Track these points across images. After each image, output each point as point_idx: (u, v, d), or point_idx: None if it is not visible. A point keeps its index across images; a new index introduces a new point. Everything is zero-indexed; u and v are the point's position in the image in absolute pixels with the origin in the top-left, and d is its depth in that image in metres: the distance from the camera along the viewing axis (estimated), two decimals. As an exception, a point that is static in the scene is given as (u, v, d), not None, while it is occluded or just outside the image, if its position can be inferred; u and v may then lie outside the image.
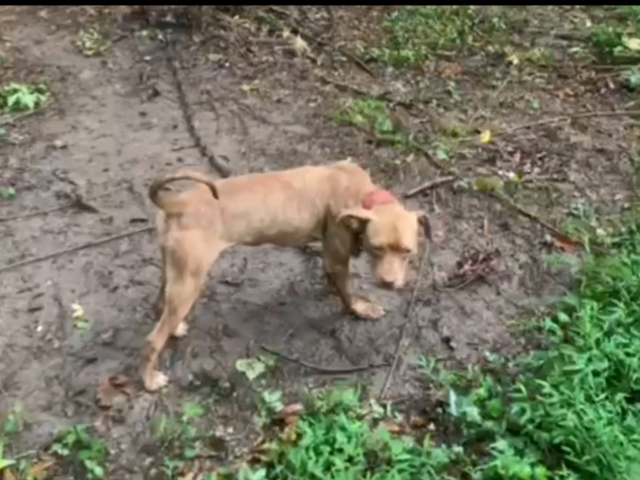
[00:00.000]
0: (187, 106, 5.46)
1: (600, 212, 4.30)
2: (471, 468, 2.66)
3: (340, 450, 2.62)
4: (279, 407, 3.02)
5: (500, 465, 2.55)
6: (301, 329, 3.48)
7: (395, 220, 3.00)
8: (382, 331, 3.46)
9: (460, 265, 3.78)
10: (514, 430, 2.75)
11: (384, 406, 3.03)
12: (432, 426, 2.95)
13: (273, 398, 3.03)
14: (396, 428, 2.93)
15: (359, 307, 3.50)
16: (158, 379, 3.15)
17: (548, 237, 4.07)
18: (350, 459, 2.60)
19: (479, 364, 3.26)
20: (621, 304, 3.17)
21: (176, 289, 2.93)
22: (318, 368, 3.25)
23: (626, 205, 4.34)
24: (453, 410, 2.80)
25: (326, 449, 2.63)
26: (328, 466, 2.58)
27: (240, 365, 3.26)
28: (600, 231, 4.10)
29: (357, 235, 3.16)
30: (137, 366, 3.19)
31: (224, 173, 4.61)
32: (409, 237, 2.98)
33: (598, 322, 3.02)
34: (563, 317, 3.30)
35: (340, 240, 3.22)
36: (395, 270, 2.97)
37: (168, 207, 2.90)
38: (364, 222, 3.04)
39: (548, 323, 3.14)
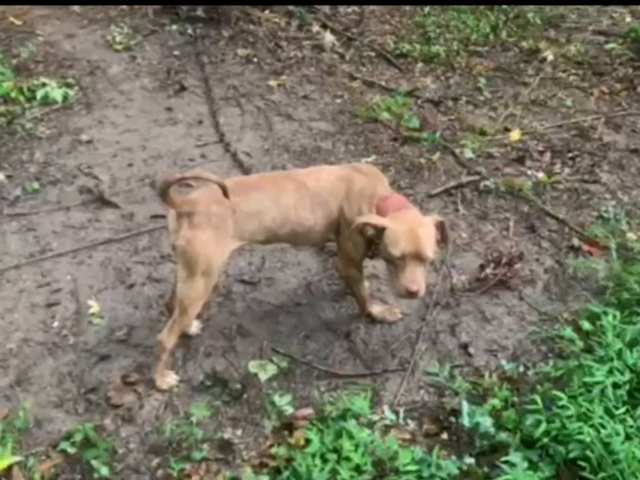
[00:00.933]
0: (213, 101, 5.44)
1: (631, 215, 4.15)
2: (482, 481, 2.58)
3: (348, 459, 2.56)
4: (289, 410, 2.97)
5: (511, 474, 2.46)
6: (316, 330, 3.42)
7: (413, 227, 2.91)
8: (398, 335, 3.38)
9: (482, 268, 3.68)
10: (528, 443, 2.66)
11: (397, 413, 2.96)
12: (444, 435, 2.86)
13: (283, 401, 2.98)
14: (408, 436, 2.86)
15: (376, 309, 3.43)
16: (169, 379, 3.13)
17: (576, 241, 3.94)
18: (357, 468, 2.54)
19: (496, 372, 3.16)
20: (648, 313, 3.05)
21: (187, 289, 2.90)
22: (331, 371, 3.19)
23: (659, 208, 4.18)
24: (465, 420, 2.71)
25: (333, 457, 2.58)
26: (334, 474, 2.52)
27: (253, 366, 3.21)
28: (630, 235, 3.95)
29: (371, 241, 3.09)
30: (149, 365, 3.17)
31: (245, 169, 4.58)
32: (429, 244, 2.90)
33: (621, 331, 2.90)
34: (586, 325, 3.18)
35: (353, 244, 3.15)
36: (419, 280, 2.88)
37: (179, 207, 2.87)
38: (380, 230, 2.96)
39: (568, 332, 3.02)
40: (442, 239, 3.04)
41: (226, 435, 2.92)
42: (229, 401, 3.07)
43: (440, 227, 3.00)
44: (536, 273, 3.75)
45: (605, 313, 3.12)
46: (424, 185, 4.43)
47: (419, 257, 2.88)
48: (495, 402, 2.77)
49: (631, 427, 2.54)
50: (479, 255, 3.86)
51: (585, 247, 3.89)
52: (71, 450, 2.83)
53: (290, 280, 3.73)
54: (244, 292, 3.66)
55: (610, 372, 2.71)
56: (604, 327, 3.00)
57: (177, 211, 2.88)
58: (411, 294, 2.90)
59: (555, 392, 2.70)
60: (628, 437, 2.49)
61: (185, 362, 3.27)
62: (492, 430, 2.68)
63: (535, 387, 2.97)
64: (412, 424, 2.92)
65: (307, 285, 3.69)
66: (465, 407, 2.75)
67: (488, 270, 3.61)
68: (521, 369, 3.14)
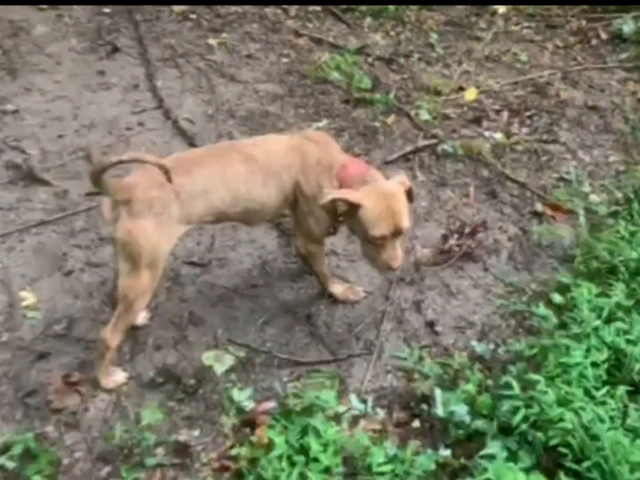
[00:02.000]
0: (149, 63, 5.04)
1: (593, 176, 4.02)
2: (459, 473, 2.43)
3: (316, 460, 2.36)
4: (249, 406, 2.75)
5: (492, 472, 2.31)
6: (274, 314, 3.20)
7: (389, 203, 2.72)
8: (362, 315, 3.19)
9: (445, 239, 3.50)
10: (506, 429, 2.51)
11: (365, 401, 2.78)
12: (416, 423, 2.71)
13: (243, 396, 2.77)
14: (377, 426, 2.69)
15: (337, 289, 3.22)
16: (116, 377, 2.87)
17: (538, 206, 3.79)
18: (327, 470, 2.35)
19: (466, 350, 3.00)
20: (620, 284, 2.92)
21: (131, 283, 2.63)
22: (293, 359, 2.98)
23: (621, 168, 4.07)
24: (440, 410, 2.55)
25: (300, 459, 2.38)
26: (303, 479, 2.32)
27: (207, 358, 2.98)
28: (594, 197, 3.83)
29: (336, 216, 2.86)
30: (93, 362, 2.90)
31: (188, 137, 4.26)
32: (406, 216, 2.76)
33: (596, 306, 2.76)
34: (557, 298, 3.05)
35: (314, 219, 2.92)
36: (399, 254, 2.77)
37: (115, 193, 2.57)
38: (353, 206, 2.73)
39: (541, 310, 2.87)
40: (408, 197, 2.84)
41: (182, 437, 2.69)
42: (183, 398, 2.84)
43: (408, 191, 2.81)
44: (500, 242, 3.59)
45: (577, 285, 2.99)
46: (379, 151, 4.20)
47: (398, 233, 2.73)
48: (469, 387, 2.62)
49: (613, 409, 2.42)
50: (440, 225, 3.68)
51: (549, 212, 3.75)
52: (10, 464, 2.55)
53: (243, 260, 3.48)
54: (193, 275, 3.39)
55: (588, 350, 2.57)
56: (576, 300, 2.86)
57: (113, 198, 2.58)
58: (393, 270, 2.81)
59: (532, 375, 2.56)
60: (611, 421, 2.37)
61: (133, 356, 3.01)
62: (467, 418, 2.53)
63: (507, 367, 2.82)
64: (381, 413, 2.75)
65: (262, 265, 3.45)
66: (439, 395, 2.59)
67: (452, 242, 3.44)
68: (491, 346, 2.99)
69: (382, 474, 2.31)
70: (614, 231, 3.34)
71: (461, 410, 2.54)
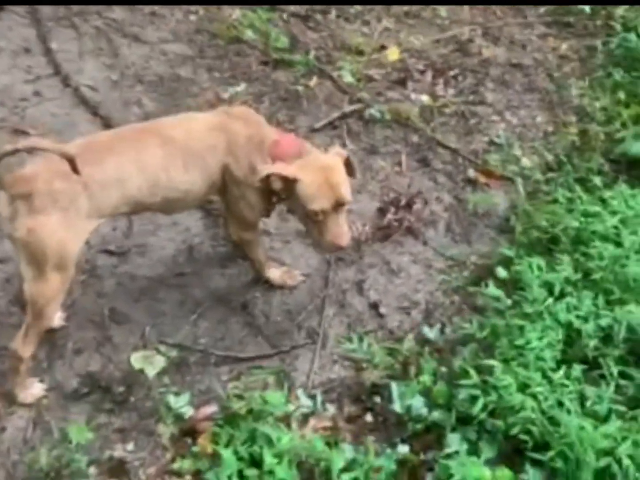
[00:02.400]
0: (41, 23, 4.49)
1: (522, 138, 3.94)
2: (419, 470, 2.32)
3: (271, 473, 2.18)
4: (188, 412, 2.53)
5: (455, 469, 2.21)
6: (206, 305, 2.95)
7: (327, 175, 2.53)
8: (301, 301, 2.99)
9: (382, 213, 3.33)
10: (464, 419, 2.41)
11: (313, 397, 2.60)
12: (369, 417, 2.57)
13: (181, 402, 2.53)
14: (328, 423, 2.53)
15: (274, 274, 3.00)
16: (34, 389, 2.57)
17: (471, 172, 3.68)
18: (283, 482, 2.17)
19: (412, 332, 2.88)
20: (565, 257, 2.85)
21: (38, 289, 2.31)
22: (230, 355, 2.76)
23: (550, 129, 4.00)
24: (397, 406, 2.41)
25: (253, 472, 2.19)
26: (258, 497, 2.14)
27: (136, 360, 2.71)
28: (525, 161, 3.75)
29: (270, 197, 2.63)
30: (6, 373, 2.57)
31: (91, 107, 3.86)
32: (347, 188, 2.58)
33: (545, 282, 2.69)
34: (502, 272, 2.95)
35: (246, 203, 2.67)
36: (344, 231, 2.58)
37: (11, 187, 2.22)
38: (289, 182, 2.50)
39: (492, 290, 2.76)
40: (349, 173, 2.64)
41: (116, 453, 2.44)
42: (113, 409, 2.57)
43: (347, 162, 2.63)
44: (436, 213, 3.46)
45: (520, 257, 2.91)
46: (304, 118, 3.95)
47: (340, 206, 2.55)
48: (425, 378, 2.49)
49: (571, 392, 2.35)
50: (374, 197, 3.50)
51: (482, 179, 3.64)
52: None
53: (166, 246, 3.18)
54: (111, 266, 3.08)
55: (544, 331, 2.49)
56: (522, 275, 2.77)
57: (10, 193, 2.23)
58: (340, 248, 2.60)
59: (487, 360, 2.45)
60: (570, 402, 2.30)
61: (52, 363, 2.70)
62: (424, 411, 2.41)
63: (457, 349, 2.72)
64: (331, 409, 2.59)
65: (189, 250, 3.17)
66: (395, 389, 2.44)
67: (390, 216, 3.28)
68: (438, 326, 2.87)
69: (343, 483, 2.15)
70: (551, 200, 3.27)
71: (418, 403, 2.41)
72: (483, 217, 3.45)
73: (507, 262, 3.01)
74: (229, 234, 2.84)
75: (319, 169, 2.53)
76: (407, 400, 2.41)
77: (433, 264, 3.20)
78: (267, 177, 2.51)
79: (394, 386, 2.45)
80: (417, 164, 3.73)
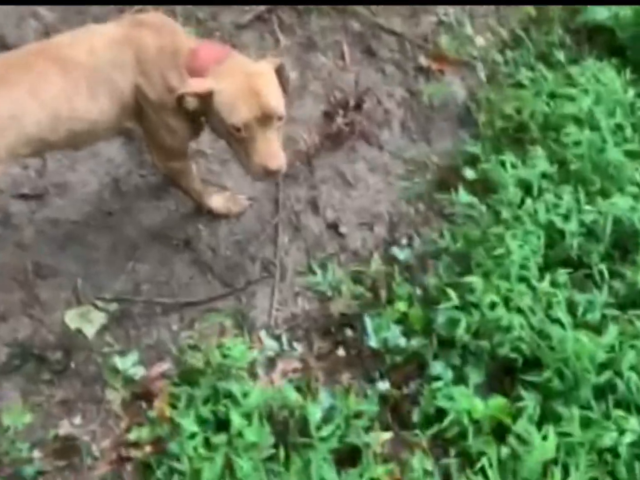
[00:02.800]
0: None
1: (473, 14, 3.54)
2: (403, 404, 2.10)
3: (240, 436, 1.92)
4: (138, 373, 2.23)
5: (441, 400, 1.99)
6: (143, 246, 2.59)
7: (249, 80, 2.12)
8: (252, 230, 2.65)
9: (329, 117, 2.96)
10: (446, 344, 2.18)
11: (278, 338, 2.34)
12: (341, 351, 2.32)
13: (128, 362, 2.24)
14: (298, 365, 2.28)
15: (216, 202, 2.64)
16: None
17: (422, 59, 3.29)
18: (255, 445, 1.92)
19: (378, 251, 2.60)
20: (537, 148, 2.57)
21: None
22: (179, 302, 2.45)
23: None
24: (372, 341, 2.16)
25: (221, 439, 1.93)
26: (229, 464, 1.89)
27: (71, 319, 2.37)
28: (479, 40, 3.37)
29: (193, 114, 2.24)
30: None
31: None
32: (277, 97, 2.15)
33: (520, 180, 2.41)
34: (470, 173, 2.66)
35: (168, 130, 2.27)
36: (276, 151, 2.15)
37: None
38: (205, 97, 2.11)
39: (463, 197, 2.48)
40: (282, 85, 2.24)
41: (62, 430, 2.15)
42: (52, 379, 2.26)
43: (279, 70, 2.22)
44: (389, 111, 3.09)
45: (486, 154, 2.62)
46: (228, 13, 3.44)
47: (268, 119, 2.11)
48: (400, 305, 2.23)
49: (559, 302, 2.13)
50: (318, 99, 3.10)
51: (435, 66, 3.26)
52: None
53: (88, 181, 2.77)
54: (28, 212, 2.66)
55: (525, 236, 2.24)
56: (493, 173, 2.49)
57: None
58: (271, 174, 2.18)
59: (466, 278, 2.20)
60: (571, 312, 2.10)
61: (-28, 335, 2.34)
62: (402, 341, 2.16)
63: (427, 264, 2.46)
64: (299, 347, 2.33)
65: (114, 184, 2.76)
66: (369, 323, 2.18)
67: (338, 120, 2.91)
68: (404, 241, 2.60)
69: (324, 439, 1.91)
70: (514, 83, 2.95)
71: (394, 334, 2.16)
72: (440, 110, 3.11)
73: (473, 161, 2.72)
74: (155, 166, 2.45)
75: (241, 75, 2.12)
76: (383, 333, 2.16)
77: (392, 169, 2.88)
78: (180, 99, 2.10)
79: (367, 320, 2.18)
80: (361, 56, 3.32)
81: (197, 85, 2.11)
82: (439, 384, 2.06)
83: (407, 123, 3.06)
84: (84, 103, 2.12)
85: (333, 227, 2.67)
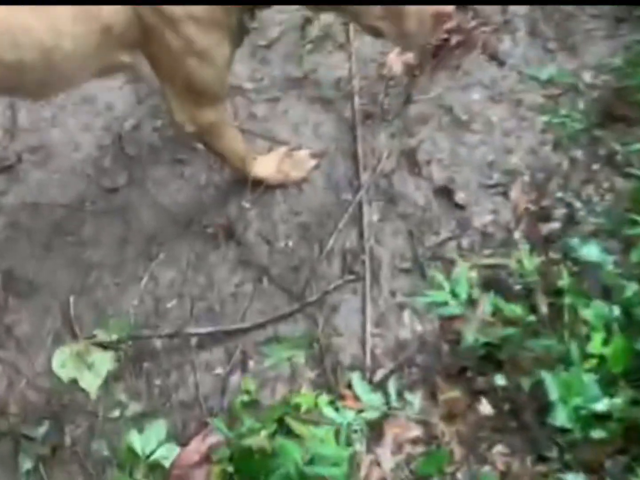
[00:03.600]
0: None
1: None
2: None
3: None
4: (170, 454, 1.42)
5: None
6: (162, 238, 1.73)
7: None
8: (321, 205, 1.76)
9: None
10: None
11: (380, 385, 1.48)
12: (485, 407, 1.45)
13: (152, 438, 1.42)
14: (417, 432, 1.43)
15: (265, 166, 1.75)
16: None
17: None
18: None
19: (519, 228, 1.69)
20: None
21: None
22: (222, 329, 1.60)
23: None
24: (560, 414, 1.26)
25: None
26: None
27: (62, 364, 1.57)
28: None
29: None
30: None
31: None
32: None
33: None
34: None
35: (200, 57, 1.40)
36: None
37: None
38: None
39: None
40: None
41: None
42: (36, 467, 1.46)
43: None
44: (509, 9, 2.10)
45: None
46: None
47: None
48: (596, 339, 1.32)
49: None
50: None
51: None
52: None
53: (80, 143, 1.91)
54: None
55: None
56: None
57: None
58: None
59: None
60: None
61: None
62: (603, 402, 1.27)
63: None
64: (416, 401, 1.45)
65: (118, 145, 1.90)
66: (550, 382, 1.28)
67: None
68: (558, 211, 1.69)
69: None
70: None
71: (588, 390, 1.27)
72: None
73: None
74: (175, 122, 1.55)
75: None
76: (564, 389, 1.27)
77: (524, 97, 1.92)
78: None
79: (548, 377, 1.28)
80: None
81: None
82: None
83: (539, 26, 2.06)
84: (34, 20, 1.23)
85: (445, 193, 1.76)
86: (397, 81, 1.90)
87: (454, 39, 1.97)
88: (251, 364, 1.55)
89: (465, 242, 1.67)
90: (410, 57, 1.88)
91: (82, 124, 1.93)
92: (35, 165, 1.87)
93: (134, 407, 1.50)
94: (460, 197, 1.74)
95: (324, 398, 1.38)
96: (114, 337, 1.53)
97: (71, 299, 1.64)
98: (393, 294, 1.61)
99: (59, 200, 1.80)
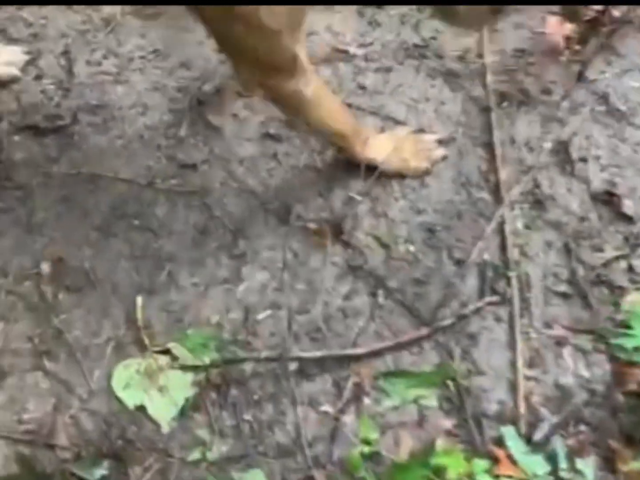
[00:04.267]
0: None
1: None
2: None
3: None
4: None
5: None
6: (249, 231, 1.39)
7: None
8: (451, 204, 1.42)
9: None
10: None
11: (542, 445, 1.14)
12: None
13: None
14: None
15: (379, 149, 1.40)
16: None
17: None
18: None
19: None
20: None
21: None
22: (331, 354, 1.25)
23: None
24: None
25: None
26: None
27: (125, 385, 1.22)
28: None
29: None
30: None
31: None
32: None
33: None
34: None
35: (251, 23, 1.03)
36: None
37: None
38: None
39: None
40: None
41: None
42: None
43: None
44: None
45: None
46: None
47: None
48: None
49: None
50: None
51: None
52: None
53: (149, 105, 1.55)
54: (44, 160, 1.48)
55: None
56: None
57: None
58: None
59: None
60: None
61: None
62: None
63: None
64: (589, 470, 1.12)
65: (194, 106, 1.55)
66: None
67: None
68: None
69: None
70: None
71: None
72: None
73: None
74: (249, 87, 1.21)
75: None
76: None
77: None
78: None
79: None
80: None
81: None
82: None
83: None
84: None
85: (605, 199, 1.41)
86: (549, 56, 1.54)
87: (607, 15, 1.62)
88: (366, 401, 1.21)
89: (638, 264, 1.33)
90: (570, 28, 1.53)
91: (152, 83, 1.58)
92: (94, 128, 1.52)
93: (218, 448, 1.16)
94: (627, 205, 1.39)
95: (480, 464, 1.04)
96: (198, 355, 1.18)
97: (138, 300, 1.29)
98: (547, 324, 1.27)
99: (121, 174, 1.45)
